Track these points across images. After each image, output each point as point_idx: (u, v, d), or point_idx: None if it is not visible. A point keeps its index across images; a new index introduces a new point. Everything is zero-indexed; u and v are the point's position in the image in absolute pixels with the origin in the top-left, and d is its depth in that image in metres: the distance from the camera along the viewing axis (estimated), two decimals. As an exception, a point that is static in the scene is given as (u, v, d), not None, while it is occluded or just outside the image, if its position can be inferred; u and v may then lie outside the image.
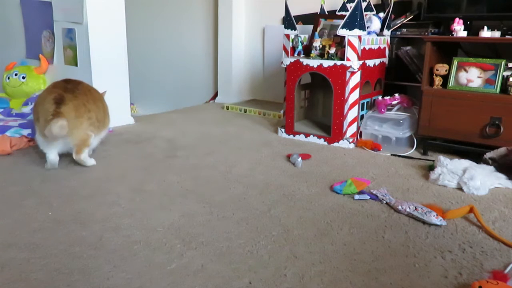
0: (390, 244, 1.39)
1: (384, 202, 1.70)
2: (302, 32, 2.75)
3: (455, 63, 2.25)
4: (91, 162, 2.08)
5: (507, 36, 2.25)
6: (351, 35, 2.37)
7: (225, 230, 1.47)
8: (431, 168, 2.05)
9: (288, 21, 2.72)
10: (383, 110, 2.49)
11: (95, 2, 2.75)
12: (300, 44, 2.65)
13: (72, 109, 1.93)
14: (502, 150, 2.02)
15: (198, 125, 3.05)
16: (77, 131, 1.97)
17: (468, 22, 2.39)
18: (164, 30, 4.48)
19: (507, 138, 2.07)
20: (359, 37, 2.39)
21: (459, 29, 2.27)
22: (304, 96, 2.87)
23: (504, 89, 2.13)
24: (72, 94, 1.99)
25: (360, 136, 2.59)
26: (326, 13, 2.81)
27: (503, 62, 2.14)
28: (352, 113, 2.51)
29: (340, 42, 2.53)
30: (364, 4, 2.51)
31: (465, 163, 1.96)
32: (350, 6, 2.57)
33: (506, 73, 2.13)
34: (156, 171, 2.06)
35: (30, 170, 2.03)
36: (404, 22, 2.79)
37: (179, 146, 2.49)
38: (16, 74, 3.23)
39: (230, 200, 1.73)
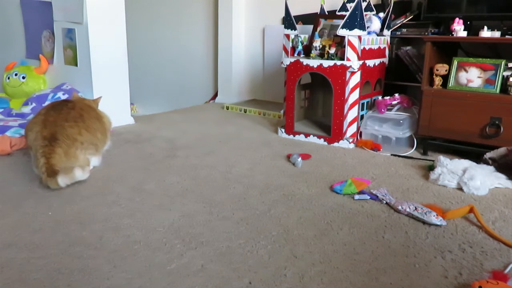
0: (390, 244, 1.39)
1: (384, 202, 1.70)
2: (302, 32, 2.75)
3: (455, 63, 2.25)
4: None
5: (507, 36, 2.24)
6: (351, 35, 2.37)
7: (225, 230, 1.47)
8: (431, 168, 2.05)
9: (288, 21, 2.72)
10: (383, 110, 2.50)
11: (95, 2, 2.75)
12: (300, 44, 2.65)
13: (63, 154, 1.89)
14: (502, 150, 2.02)
15: (198, 125, 3.05)
16: (74, 164, 1.94)
17: (468, 22, 2.39)
18: (164, 30, 4.48)
19: (507, 138, 2.07)
20: (359, 37, 2.39)
21: (459, 29, 2.27)
22: (304, 96, 2.87)
23: (504, 89, 2.13)
24: (62, 134, 1.93)
25: (360, 136, 2.59)
26: (326, 13, 2.81)
27: (503, 62, 2.14)
28: (352, 113, 2.51)
29: (340, 42, 2.53)
30: (364, 4, 2.51)
31: (465, 163, 1.96)
32: (350, 6, 2.57)
33: (506, 73, 2.13)
34: (156, 171, 2.06)
35: (30, 170, 2.03)
36: (404, 22, 2.79)
37: (179, 146, 2.49)
38: (16, 74, 3.23)
39: (230, 200, 1.73)
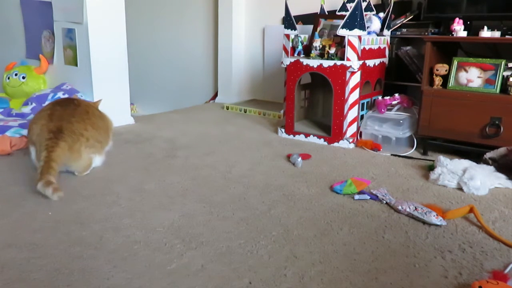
0: (390, 244, 1.39)
1: (384, 202, 1.70)
2: (302, 32, 2.75)
3: (455, 63, 2.25)
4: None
5: (507, 36, 2.25)
6: (351, 35, 2.37)
7: (225, 230, 1.47)
8: (431, 168, 2.05)
9: (288, 21, 2.72)
10: (383, 110, 2.50)
11: (95, 2, 2.74)
12: (300, 44, 2.65)
13: (67, 148, 1.89)
14: (502, 150, 2.02)
15: (198, 125, 3.05)
16: (76, 162, 1.96)
17: (468, 22, 2.39)
18: (164, 30, 4.48)
19: (507, 138, 2.07)
20: (359, 37, 2.39)
21: (459, 29, 2.27)
22: (304, 96, 2.87)
23: (504, 89, 2.13)
24: (68, 128, 1.93)
25: (360, 136, 2.59)
26: (326, 13, 2.81)
27: (503, 62, 2.14)
28: (352, 113, 2.51)
29: (340, 42, 2.53)
30: (364, 4, 2.51)
31: (465, 163, 1.96)
32: (350, 6, 2.57)
33: (506, 73, 2.13)
34: (156, 171, 2.06)
35: (30, 170, 2.03)
36: (404, 22, 2.79)
37: (179, 146, 2.49)
38: (16, 74, 3.23)
39: (230, 200, 1.73)
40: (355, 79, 2.46)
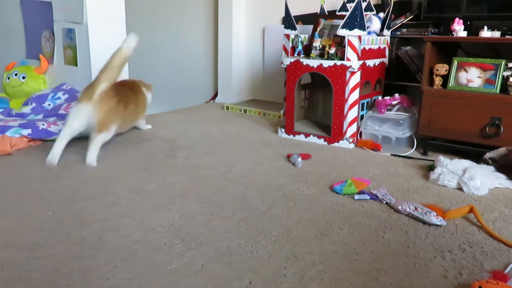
0: (390, 244, 1.39)
1: (384, 202, 1.70)
2: (302, 32, 2.75)
3: (455, 63, 2.25)
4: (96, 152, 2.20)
5: (507, 36, 2.25)
6: (351, 35, 2.37)
7: (225, 230, 1.47)
8: (431, 168, 2.05)
9: (288, 21, 2.72)
10: (383, 110, 2.50)
11: (95, 2, 2.75)
12: (300, 44, 2.65)
13: (101, 94, 2.15)
14: (502, 150, 2.02)
15: (198, 125, 3.05)
16: (98, 113, 2.14)
17: (468, 22, 2.39)
18: (164, 30, 4.48)
19: (507, 138, 2.07)
20: (359, 37, 2.39)
21: (459, 29, 2.27)
22: (304, 96, 2.87)
23: (504, 89, 2.13)
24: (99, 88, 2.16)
25: (360, 136, 2.59)
26: (326, 13, 2.81)
27: (503, 62, 2.14)
28: (352, 113, 2.51)
29: (340, 42, 2.53)
30: (364, 4, 2.51)
31: (465, 163, 1.96)
32: (350, 6, 2.57)
33: (506, 73, 2.13)
34: (156, 171, 2.06)
35: (30, 170, 2.03)
36: (404, 22, 2.79)
37: (179, 146, 2.49)
38: (16, 74, 3.23)
39: (230, 200, 1.73)
40: (355, 79, 2.46)
